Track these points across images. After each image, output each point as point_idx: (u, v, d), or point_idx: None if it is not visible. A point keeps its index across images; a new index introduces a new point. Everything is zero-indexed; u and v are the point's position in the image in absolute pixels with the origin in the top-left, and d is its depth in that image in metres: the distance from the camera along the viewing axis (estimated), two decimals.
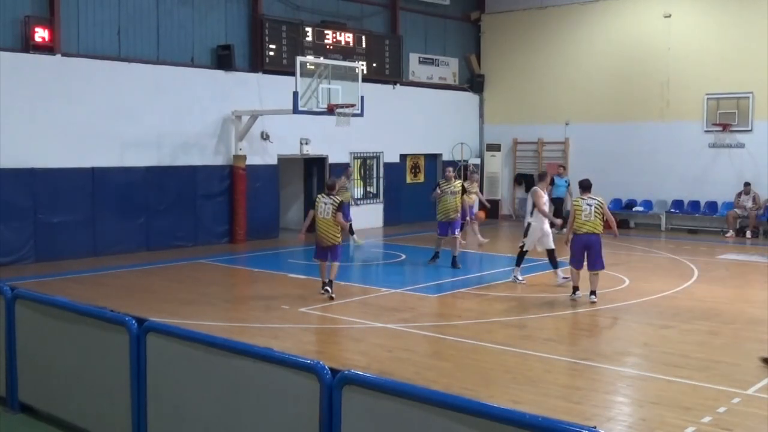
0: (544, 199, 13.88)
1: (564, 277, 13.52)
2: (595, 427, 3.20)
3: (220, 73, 19.17)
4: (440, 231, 15.90)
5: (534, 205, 13.76)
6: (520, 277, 14.00)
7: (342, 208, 12.38)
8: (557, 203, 20.81)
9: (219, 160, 19.22)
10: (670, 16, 23.02)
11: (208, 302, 12.33)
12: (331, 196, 12.37)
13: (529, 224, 13.91)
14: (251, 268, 16.19)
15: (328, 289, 12.39)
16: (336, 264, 12.52)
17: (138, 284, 13.78)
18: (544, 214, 13.79)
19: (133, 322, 5.65)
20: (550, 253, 13.89)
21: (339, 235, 12.48)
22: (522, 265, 14.14)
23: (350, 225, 18.63)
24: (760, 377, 8.24)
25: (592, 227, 12.05)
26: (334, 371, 4.28)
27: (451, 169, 16.66)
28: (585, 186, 12.44)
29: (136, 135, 17.51)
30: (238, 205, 19.22)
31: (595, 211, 12.03)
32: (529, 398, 7.58)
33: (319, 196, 12.57)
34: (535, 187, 14.02)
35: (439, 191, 15.86)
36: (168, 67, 18.23)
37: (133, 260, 16.15)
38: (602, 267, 12.25)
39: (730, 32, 22.09)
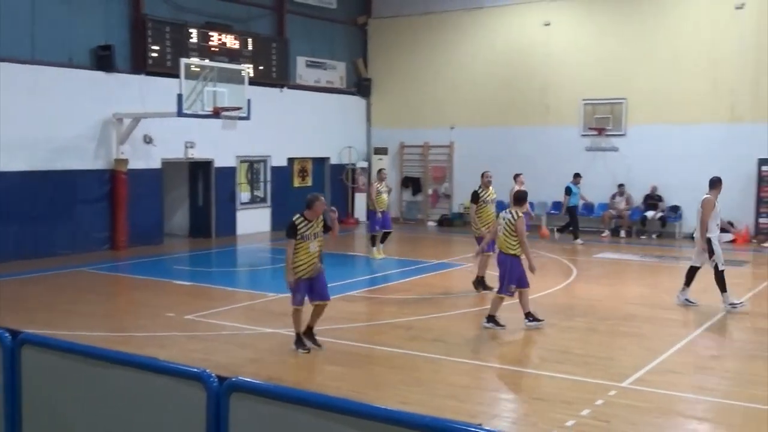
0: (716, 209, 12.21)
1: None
2: (480, 425, 3.28)
3: (100, 74, 18.54)
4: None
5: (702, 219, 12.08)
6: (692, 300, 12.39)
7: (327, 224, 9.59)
8: (573, 212, 21.32)
9: (99, 165, 18.58)
10: (549, 24, 23.86)
11: (89, 312, 11.90)
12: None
13: (709, 239, 12.13)
14: (134, 275, 15.72)
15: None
16: (325, 304, 9.61)
17: (12, 295, 13.12)
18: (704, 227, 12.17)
19: (6, 334, 5.39)
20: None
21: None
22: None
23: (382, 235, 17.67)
24: (635, 370, 8.65)
25: (500, 245, 10.94)
26: (221, 379, 4.22)
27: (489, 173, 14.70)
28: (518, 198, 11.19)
29: (9, 138, 16.66)
30: (119, 211, 18.62)
31: (506, 227, 10.74)
32: (418, 399, 7.69)
33: (300, 219, 9.36)
34: (707, 196, 12.23)
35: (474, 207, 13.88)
36: (44, 68, 17.47)
37: (6, 270, 15.39)
38: (503, 292, 10.80)
39: (606, 40, 23.10)
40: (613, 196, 22.57)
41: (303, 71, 24.72)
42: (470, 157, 24.95)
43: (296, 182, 24.75)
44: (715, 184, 12.42)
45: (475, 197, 13.90)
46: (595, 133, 23.13)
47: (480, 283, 13.38)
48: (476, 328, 11.02)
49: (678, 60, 22.04)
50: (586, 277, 15.33)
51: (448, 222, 25.26)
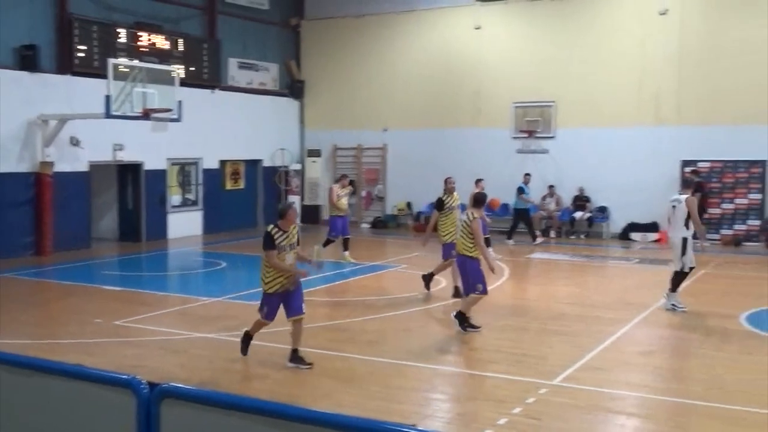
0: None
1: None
2: (414, 425, 3.30)
3: (24, 75, 18.00)
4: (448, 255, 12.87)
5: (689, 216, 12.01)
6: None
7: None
8: (524, 213, 21.30)
9: (23, 167, 18.03)
10: (480, 28, 24.15)
11: (12, 319, 11.51)
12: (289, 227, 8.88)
13: (685, 239, 12.06)
14: (61, 281, 15.30)
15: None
16: (301, 318, 9.02)
17: None
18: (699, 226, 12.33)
19: None
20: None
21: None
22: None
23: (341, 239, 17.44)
24: (565, 368, 8.81)
25: (458, 248, 10.83)
26: (152, 385, 4.14)
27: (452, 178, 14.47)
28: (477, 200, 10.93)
29: None
30: (44, 215, 18.10)
31: (462, 229, 10.64)
32: (352, 401, 7.68)
33: (275, 230, 8.78)
34: (690, 196, 12.18)
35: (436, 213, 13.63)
36: None
37: None
38: (472, 292, 10.63)
39: (536, 45, 23.50)
40: (544, 198, 22.97)
41: (235, 72, 24.48)
42: (403, 159, 25.10)
43: (228, 185, 24.48)
44: (692, 184, 12.65)
45: (440, 204, 13.53)
46: (526, 135, 23.52)
47: (428, 279, 13.36)
48: (411, 329, 11.07)
49: (605, 64, 22.57)
50: (518, 277, 15.57)
51: (381, 224, 25.33)
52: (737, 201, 21.33)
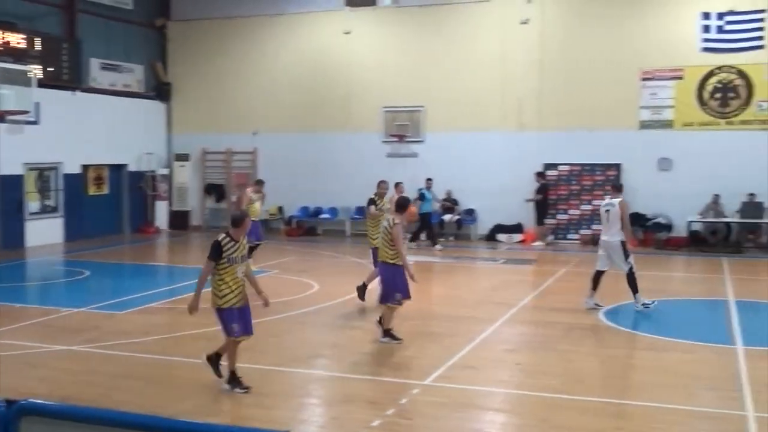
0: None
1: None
2: (288, 431, 3.28)
3: None
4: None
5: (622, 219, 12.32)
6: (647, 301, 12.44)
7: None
8: (426, 218, 21.09)
9: None
10: (350, 32, 24.32)
11: None
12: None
13: (623, 242, 12.36)
14: None
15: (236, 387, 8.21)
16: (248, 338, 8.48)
17: None
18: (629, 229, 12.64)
19: None
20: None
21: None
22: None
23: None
24: (436, 367, 8.99)
25: (380, 254, 10.49)
26: (10, 402, 3.94)
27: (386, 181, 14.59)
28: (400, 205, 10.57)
29: None
30: None
31: (383, 236, 10.31)
32: (224, 409, 7.56)
33: (227, 239, 8.09)
34: (622, 199, 12.56)
35: (374, 209, 13.43)
36: None
37: None
38: (388, 301, 10.31)
39: (406, 50, 23.91)
40: (414, 201, 23.34)
41: (97, 74, 23.57)
42: (274, 163, 24.93)
43: (91, 190, 23.55)
44: (621, 188, 12.96)
45: (372, 203, 13.77)
46: (396, 139, 23.86)
47: (361, 291, 12.81)
48: (284, 333, 11.00)
49: (471, 70, 23.23)
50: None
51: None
52: (595, 202, 22.39)
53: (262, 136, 25.25)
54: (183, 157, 26.09)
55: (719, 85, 21.53)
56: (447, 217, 22.99)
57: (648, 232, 21.64)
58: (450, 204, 23.23)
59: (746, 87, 21.29)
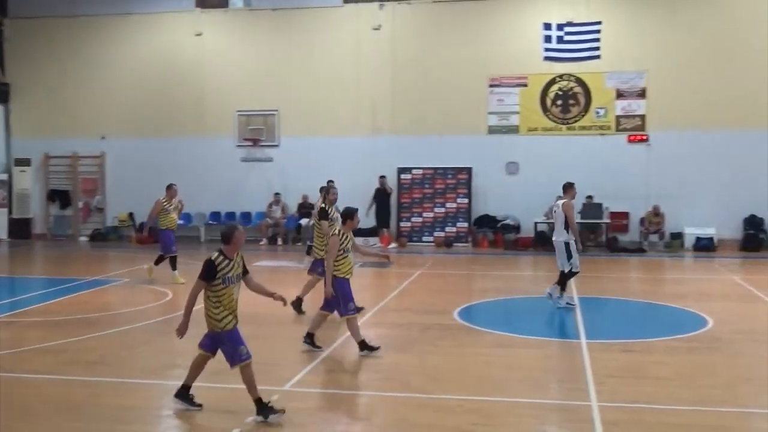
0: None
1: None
2: None
3: None
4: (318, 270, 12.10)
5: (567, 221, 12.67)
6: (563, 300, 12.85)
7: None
8: None
9: None
10: (201, 34, 23.87)
11: None
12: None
13: (567, 243, 12.73)
14: None
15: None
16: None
17: None
18: (575, 230, 12.90)
19: None
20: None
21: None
22: None
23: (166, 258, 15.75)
24: (296, 372, 8.97)
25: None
26: None
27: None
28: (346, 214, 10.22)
29: None
30: None
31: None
32: (77, 426, 7.24)
33: (221, 258, 7.52)
34: (567, 201, 12.86)
35: (326, 224, 12.31)
36: None
37: None
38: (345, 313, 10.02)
39: (258, 53, 23.74)
40: (270, 205, 23.21)
41: None
42: (124, 168, 24.12)
43: None
44: (570, 188, 13.05)
45: (324, 214, 12.54)
46: (250, 143, 23.62)
47: (298, 304, 12.46)
48: (136, 345, 10.64)
49: (325, 75, 23.37)
50: (246, 286, 15.51)
51: (101, 236, 24.12)
52: (447, 205, 23.07)
53: (111, 140, 24.35)
54: (23, 162, 24.74)
55: (560, 93, 22.72)
56: (304, 221, 22.97)
57: (498, 233, 22.49)
58: (307, 209, 23.23)
59: (585, 94, 22.58)
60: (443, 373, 9.12)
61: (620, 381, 8.65)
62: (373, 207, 22.60)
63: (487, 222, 22.80)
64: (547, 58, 22.54)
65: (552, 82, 22.77)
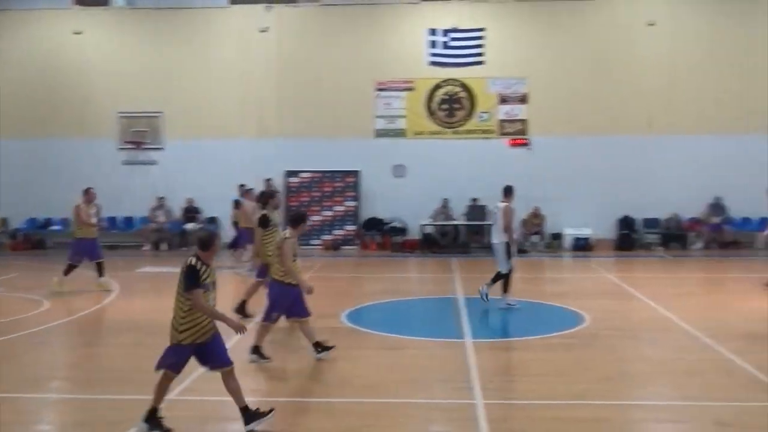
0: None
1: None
2: None
3: None
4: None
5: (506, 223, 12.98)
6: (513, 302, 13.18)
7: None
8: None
9: None
10: (81, 33, 23.13)
11: None
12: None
13: (507, 243, 13.03)
14: None
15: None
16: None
17: None
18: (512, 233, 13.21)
19: None
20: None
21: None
22: None
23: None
24: (180, 381, 8.79)
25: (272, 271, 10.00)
26: None
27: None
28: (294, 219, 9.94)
29: None
30: None
31: (275, 251, 9.84)
32: None
33: (199, 264, 7.17)
34: (506, 204, 13.04)
35: (262, 232, 11.95)
36: None
37: None
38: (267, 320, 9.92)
39: (141, 53, 23.16)
40: (154, 209, 22.66)
41: None
42: (7, 170, 23.01)
43: None
44: (510, 191, 13.24)
45: (266, 221, 12.00)
46: (133, 146, 22.99)
47: (241, 308, 12.15)
48: (14, 356, 10.18)
49: (211, 77, 23.02)
50: (128, 293, 15.12)
51: None
52: (335, 208, 23.13)
53: None
54: None
55: (446, 97, 23.18)
56: (189, 226, 22.53)
57: (385, 235, 22.73)
58: (192, 213, 22.82)
59: (469, 99, 23.12)
60: (331, 377, 9.15)
61: (504, 378, 8.93)
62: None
63: (375, 225, 23.00)
64: (432, 63, 22.98)
65: (437, 86, 23.19)
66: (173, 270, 18.25)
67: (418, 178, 22.93)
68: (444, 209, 22.52)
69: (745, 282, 16.36)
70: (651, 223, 22.76)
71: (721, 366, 9.38)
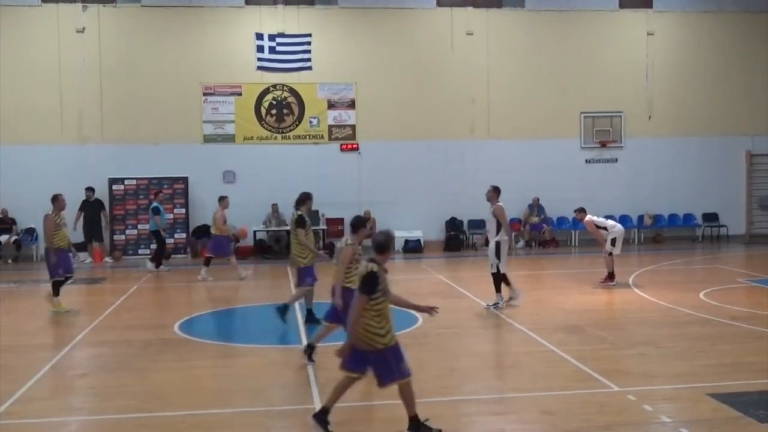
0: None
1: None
2: None
3: None
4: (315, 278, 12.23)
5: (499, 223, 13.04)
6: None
7: None
8: (159, 235, 18.78)
9: None
10: None
11: None
12: None
13: (498, 243, 13.06)
14: None
15: None
16: None
17: None
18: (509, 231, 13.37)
19: None
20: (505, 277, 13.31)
21: None
22: None
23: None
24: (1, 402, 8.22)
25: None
26: None
27: None
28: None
29: None
30: None
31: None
32: None
33: (377, 267, 7.06)
34: (499, 204, 13.11)
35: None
36: None
37: None
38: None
39: None
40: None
41: None
42: None
43: None
44: (496, 192, 13.18)
45: (302, 221, 11.69)
46: None
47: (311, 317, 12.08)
48: None
49: (25, 79, 21.73)
50: None
51: None
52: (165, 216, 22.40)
53: None
54: None
55: (275, 102, 23.11)
56: (4, 238, 21.11)
57: None
58: (7, 224, 21.40)
59: (299, 104, 23.17)
60: (165, 390, 8.85)
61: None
62: (81, 220, 21.31)
63: (206, 232, 22.47)
64: (260, 68, 22.82)
65: (266, 91, 23.05)
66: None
67: (248, 183, 22.67)
68: (275, 214, 22.39)
69: (564, 278, 17.40)
70: (476, 224, 23.71)
71: (544, 357, 9.91)
